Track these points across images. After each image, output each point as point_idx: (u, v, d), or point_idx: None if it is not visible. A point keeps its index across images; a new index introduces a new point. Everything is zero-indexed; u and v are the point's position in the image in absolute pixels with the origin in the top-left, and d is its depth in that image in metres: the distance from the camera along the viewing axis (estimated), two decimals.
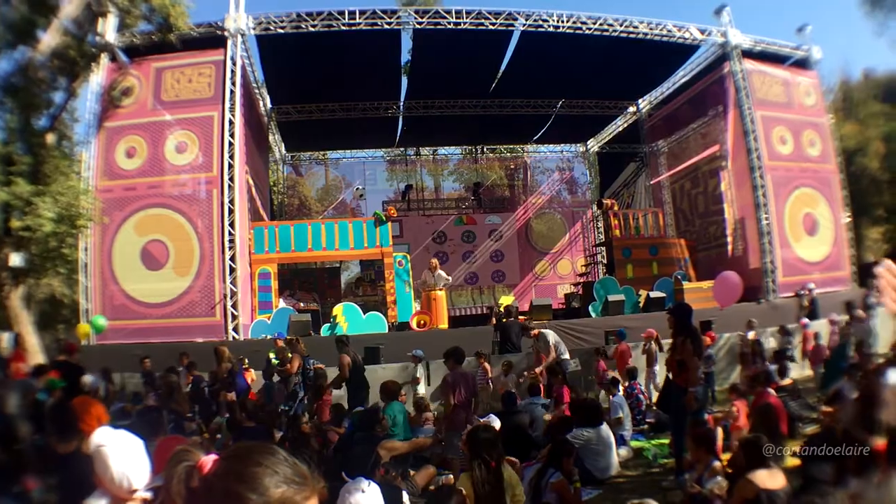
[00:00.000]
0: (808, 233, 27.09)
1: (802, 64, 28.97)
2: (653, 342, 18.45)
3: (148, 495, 4.30)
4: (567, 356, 16.77)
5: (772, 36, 29.77)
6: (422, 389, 17.79)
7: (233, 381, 15.64)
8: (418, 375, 17.84)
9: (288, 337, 17.54)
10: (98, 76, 21.45)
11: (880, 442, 6.80)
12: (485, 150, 40.58)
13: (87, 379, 13.57)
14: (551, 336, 16.62)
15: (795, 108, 28.07)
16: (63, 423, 7.50)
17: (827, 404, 12.62)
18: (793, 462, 9.31)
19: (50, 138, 19.71)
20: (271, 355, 18.07)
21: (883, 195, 42.96)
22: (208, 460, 2.14)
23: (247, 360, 17.76)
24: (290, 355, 15.88)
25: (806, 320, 20.11)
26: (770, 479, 6.94)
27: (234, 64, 22.12)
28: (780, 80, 28.01)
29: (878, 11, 27.34)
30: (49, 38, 18.87)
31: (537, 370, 16.29)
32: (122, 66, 21.95)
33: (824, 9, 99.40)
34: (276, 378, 16.45)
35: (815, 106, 28.82)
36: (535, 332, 16.90)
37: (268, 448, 2.09)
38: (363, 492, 6.12)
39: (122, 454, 4.17)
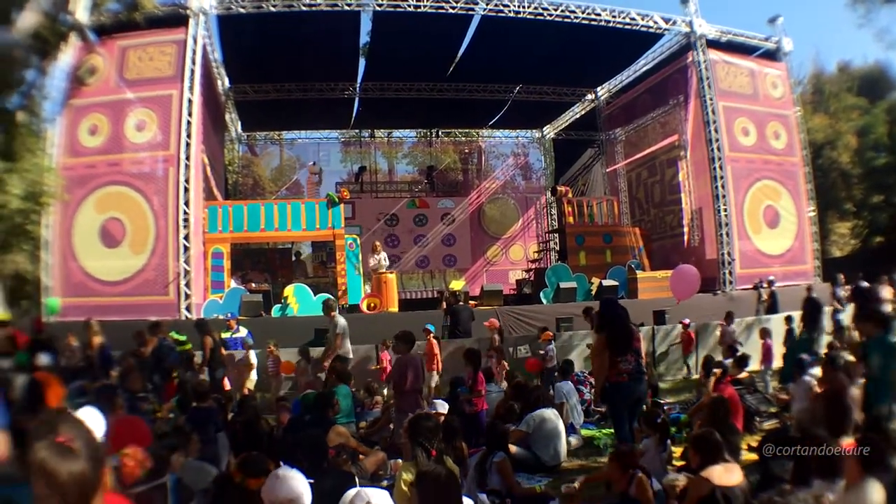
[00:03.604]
0: (769, 225, 27.32)
1: (771, 55, 29.29)
2: (496, 333, 18.36)
3: None
4: (349, 354, 16.41)
5: (744, 27, 29.90)
6: (254, 375, 17.72)
7: (103, 355, 15.88)
8: (252, 362, 17.71)
9: (152, 320, 17.34)
10: (67, 55, 21.48)
11: (848, 443, 6.87)
12: (440, 133, 40.65)
13: (43, 357, 13.68)
14: (341, 323, 16.17)
15: (761, 99, 28.31)
16: (32, 400, 7.66)
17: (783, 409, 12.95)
18: (750, 457, 9.47)
19: (21, 116, 19.76)
20: (223, 335, 18.24)
21: (852, 190, 43.08)
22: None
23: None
24: (147, 338, 15.93)
25: (687, 320, 20.28)
26: (726, 475, 6.77)
27: (195, 43, 22.16)
28: (745, 71, 28.26)
29: (861, 3, 27.55)
30: (26, 19, 18.88)
31: (325, 363, 15.74)
32: (90, 45, 21.94)
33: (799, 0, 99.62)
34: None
35: (782, 98, 29.06)
36: (333, 314, 16.42)
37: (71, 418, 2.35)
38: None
39: None
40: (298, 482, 5.05)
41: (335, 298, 19.65)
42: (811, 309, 19.94)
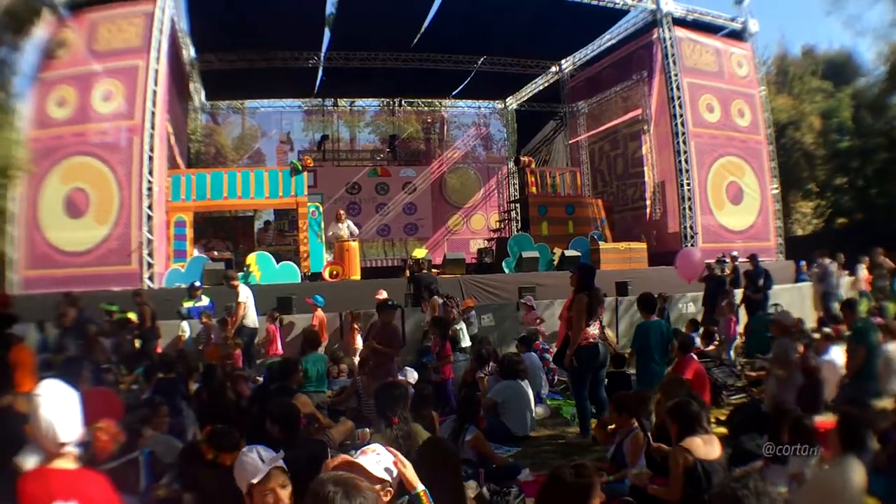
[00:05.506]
0: (732, 201, 27.53)
1: (737, 35, 29.38)
2: None
3: (76, 451, 4.39)
4: (252, 323, 16.69)
5: (708, 6, 30.04)
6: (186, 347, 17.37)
7: None
8: (181, 333, 17.71)
9: (66, 291, 17.17)
10: (40, 31, 21.37)
11: (824, 420, 6.84)
12: (402, 103, 40.51)
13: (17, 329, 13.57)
14: (243, 292, 16.42)
15: (726, 77, 28.45)
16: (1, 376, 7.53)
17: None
18: (719, 431, 9.46)
19: None
20: (186, 304, 18.40)
21: (815, 170, 43.63)
22: None
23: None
24: (65, 309, 15.87)
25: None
26: (706, 447, 6.57)
27: (162, 14, 22.03)
28: (711, 50, 28.38)
29: None
30: None
31: (229, 332, 16.12)
32: (62, 20, 21.81)
33: None
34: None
35: (747, 77, 29.20)
36: (235, 283, 16.70)
37: None
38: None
39: (53, 405, 4.22)
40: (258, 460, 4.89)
41: (235, 270, 19.78)
42: (713, 288, 19.87)
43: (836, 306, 20.52)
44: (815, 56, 49.34)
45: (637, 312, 15.95)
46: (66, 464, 4.26)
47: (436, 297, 17.85)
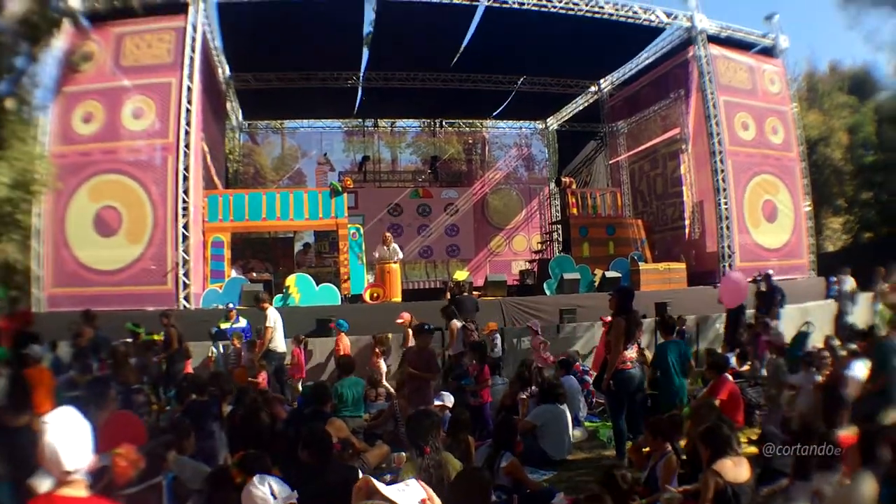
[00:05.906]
0: (768, 219, 27.33)
1: (768, 52, 29.19)
2: (409, 328, 17.58)
3: (85, 479, 4.26)
4: (280, 347, 16.48)
5: (739, 23, 29.86)
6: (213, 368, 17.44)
7: None
8: (209, 354, 17.89)
9: (84, 310, 16.92)
10: (60, 41, 21.17)
11: (846, 435, 6.76)
12: (443, 123, 40.44)
13: (35, 349, 13.50)
14: (272, 315, 16.13)
15: (759, 95, 28.29)
16: (17, 397, 7.43)
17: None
18: (750, 450, 9.33)
19: (10, 103, 19.53)
20: (222, 325, 18.37)
21: (844, 186, 43.42)
22: None
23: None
24: (83, 328, 15.83)
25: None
26: (735, 469, 6.71)
27: (194, 30, 21.90)
28: (744, 67, 28.22)
29: (852, 5, 27.52)
30: (16, 4, 18.67)
31: (255, 357, 16.06)
32: (83, 32, 21.65)
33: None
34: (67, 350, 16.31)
35: (779, 94, 29.00)
36: (265, 304, 16.41)
37: None
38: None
39: (59, 433, 4.10)
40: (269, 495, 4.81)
41: (272, 292, 20.05)
42: (735, 309, 19.64)
43: (849, 321, 20.63)
44: (841, 71, 49.45)
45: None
46: (75, 491, 4.13)
47: (454, 321, 17.36)
